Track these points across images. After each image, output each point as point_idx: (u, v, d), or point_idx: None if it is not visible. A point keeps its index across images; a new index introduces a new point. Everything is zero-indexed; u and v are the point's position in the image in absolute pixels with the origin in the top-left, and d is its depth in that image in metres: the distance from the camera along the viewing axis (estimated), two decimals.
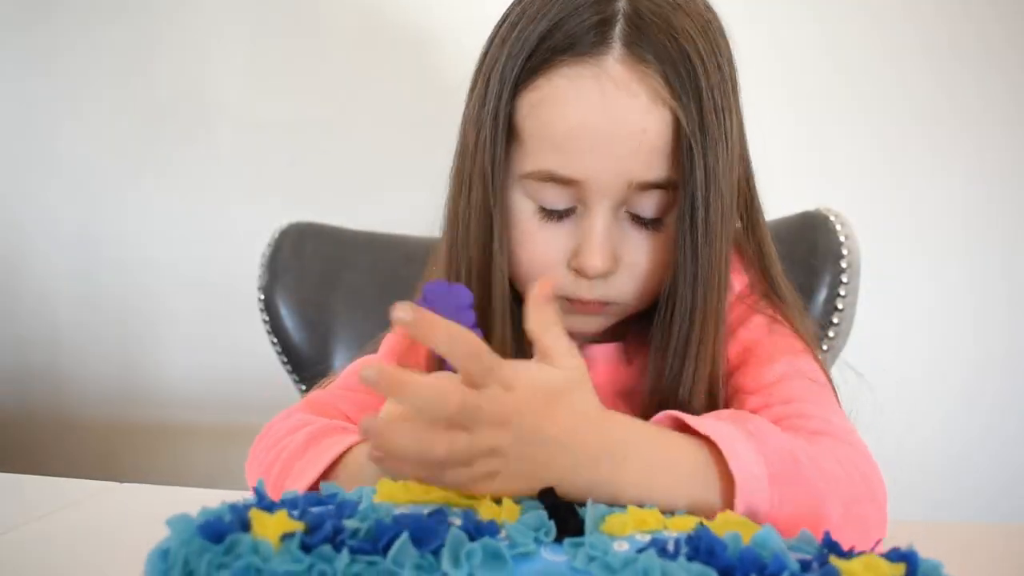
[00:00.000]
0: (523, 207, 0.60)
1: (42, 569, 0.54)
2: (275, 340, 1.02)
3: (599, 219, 0.58)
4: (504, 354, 0.44)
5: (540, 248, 0.60)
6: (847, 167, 1.28)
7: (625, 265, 0.60)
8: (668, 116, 0.55)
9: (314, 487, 0.51)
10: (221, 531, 0.33)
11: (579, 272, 0.59)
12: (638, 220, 0.59)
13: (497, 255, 0.60)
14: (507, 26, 0.60)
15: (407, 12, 1.36)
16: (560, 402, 0.43)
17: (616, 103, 0.55)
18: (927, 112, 1.26)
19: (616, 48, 0.55)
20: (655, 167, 0.56)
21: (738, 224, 0.66)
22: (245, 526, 0.34)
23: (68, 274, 1.55)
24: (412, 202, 1.46)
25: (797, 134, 1.28)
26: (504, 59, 0.58)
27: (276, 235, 1.04)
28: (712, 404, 0.61)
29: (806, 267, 0.90)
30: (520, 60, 0.57)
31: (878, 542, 0.38)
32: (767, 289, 0.68)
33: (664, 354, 0.60)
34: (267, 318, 1.02)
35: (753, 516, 0.44)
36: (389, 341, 0.76)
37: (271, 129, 1.43)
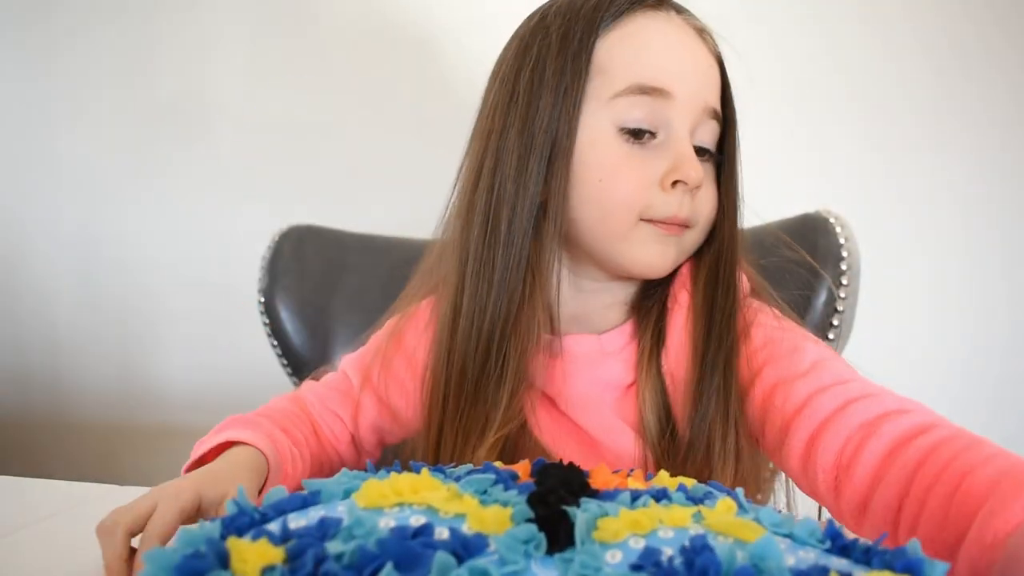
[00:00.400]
0: (607, 133, 0.64)
1: (42, 572, 0.54)
2: (275, 342, 1.02)
3: (685, 136, 0.65)
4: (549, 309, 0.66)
5: (635, 171, 0.64)
6: (847, 169, 1.28)
7: (700, 189, 0.66)
8: (716, 65, 0.67)
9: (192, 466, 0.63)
10: (199, 569, 0.32)
11: (682, 181, 0.64)
12: (700, 151, 0.66)
13: (570, 194, 0.64)
14: (559, 6, 0.67)
15: (407, 13, 1.36)
16: None
17: (692, 39, 0.66)
18: (927, 113, 1.26)
19: (671, 10, 0.66)
20: (718, 99, 0.67)
21: None
22: (224, 560, 0.33)
23: (68, 275, 1.55)
24: (412, 204, 1.46)
25: (797, 135, 1.28)
26: (576, 11, 0.65)
27: (276, 237, 1.04)
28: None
29: (806, 269, 0.90)
30: (599, 13, 0.64)
31: (885, 536, 0.37)
32: (757, 292, 0.72)
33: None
34: (267, 320, 1.01)
35: None
36: (377, 339, 0.77)
37: (271, 131, 1.43)
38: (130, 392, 1.55)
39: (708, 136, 0.67)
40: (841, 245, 0.90)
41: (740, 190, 0.69)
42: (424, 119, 1.37)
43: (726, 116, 0.68)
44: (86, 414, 1.57)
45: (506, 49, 0.70)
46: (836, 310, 0.89)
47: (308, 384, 0.80)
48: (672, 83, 0.64)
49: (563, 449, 0.67)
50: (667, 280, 0.70)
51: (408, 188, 1.37)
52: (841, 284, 0.89)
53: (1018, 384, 1.28)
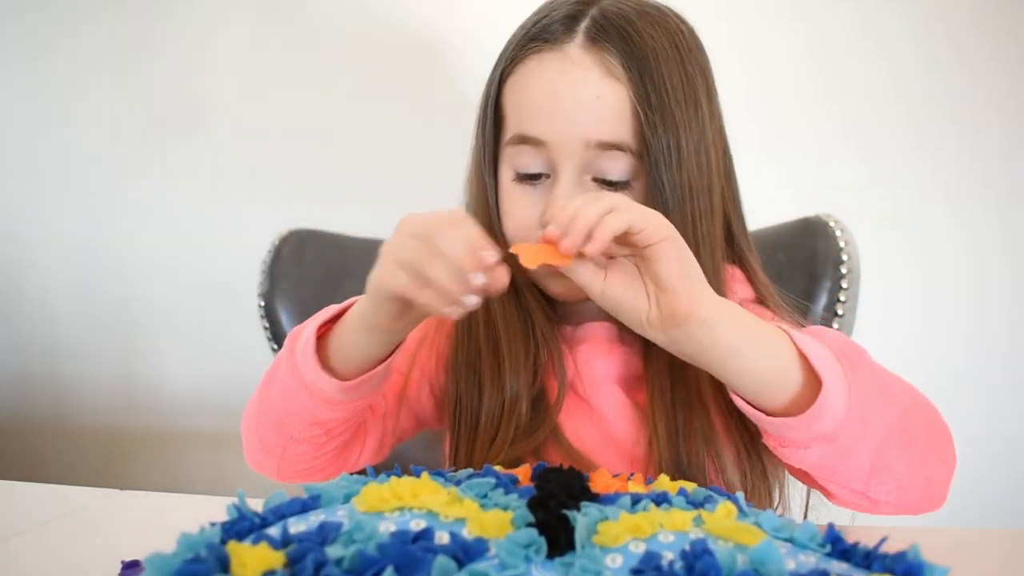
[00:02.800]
0: (506, 176, 0.70)
1: None
2: (275, 347, 1.01)
3: (565, 179, 0.65)
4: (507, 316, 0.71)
5: (517, 212, 0.69)
6: (846, 173, 1.28)
7: None
8: (623, 90, 0.63)
9: (322, 329, 0.62)
10: (200, 574, 0.32)
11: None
12: (604, 184, 0.66)
13: (489, 224, 0.70)
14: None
15: (408, 17, 1.36)
16: None
17: (572, 74, 0.64)
18: (926, 117, 1.26)
19: (579, 37, 0.65)
20: (611, 130, 0.64)
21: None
22: (224, 564, 0.33)
23: (68, 279, 1.55)
24: (413, 208, 1.46)
25: (796, 139, 1.28)
26: (499, 56, 0.70)
27: (276, 242, 1.04)
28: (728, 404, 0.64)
29: (806, 273, 0.90)
30: (508, 51, 0.69)
31: (884, 540, 0.37)
32: (762, 300, 0.73)
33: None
34: (267, 324, 1.01)
35: (831, 389, 0.52)
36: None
37: (271, 134, 1.43)
38: (130, 396, 1.55)
39: (612, 167, 0.65)
40: (841, 249, 0.90)
41: (685, 225, 0.65)
42: (425, 122, 1.37)
43: (649, 144, 0.63)
44: (86, 420, 1.57)
45: None
46: (836, 314, 0.89)
47: None
48: (544, 130, 0.65)
49: (580, 436, 0.70)
50: None
51: (409, 191, 1.38)
52: (841, 288, 0.89)
53: (1018, 386, 1.28)
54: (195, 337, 1.50)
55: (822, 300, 0.89)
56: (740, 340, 0.54)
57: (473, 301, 0.51)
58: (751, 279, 0.74)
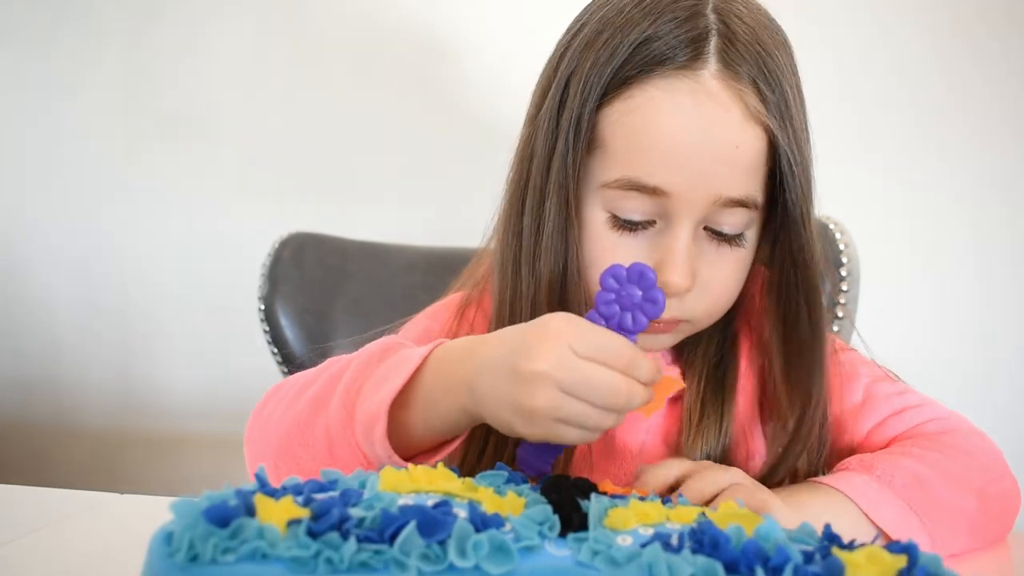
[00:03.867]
0: (597, 218, 0.58)
1: None
2: (275, 350, 1.01)
3: (683, 235, 0.56)
4: None
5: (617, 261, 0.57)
6: (847, 175, 1.28)
7: (700, 282, 0.58)
8: (761, 133, 0.55)
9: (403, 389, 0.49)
10: (227, 515, 0.33)
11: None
12: (717, 236, 0.58)
13: (573, 269, 0.58)
14: (589, 33, 0.58)
15: (409, 21, 1.37)
16: None
17: (711, 116, 0.54)
18: (927, 119, 1.26)
19: (711, 63, 0.54)
20: (744, 184, 0.55)
21: None
22: (251, 511, 0.34)
23: (67, 282, 1.54)
24: (413, 211, 1.47)
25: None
26: (590, 67, 0.57)
27: (276, 244, 1.04)
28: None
29: None
30: (610, 69, 0.56)
31: (877, 536, 0.38)
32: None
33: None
34: (267, 328, 1.01)
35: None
36: (420, 323, 0.73)
37: (272, 138, 1.43)
38: (130, 399, 1.54)
39: (730, 221, 0.57)
40: (841, 251, 0.90)
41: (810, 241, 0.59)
42: (425, 127, 1.37)
43: (787, 191, 0.56)
44: (86, 423, 1.56)
45: (559, 48, 0.62)
46: (836, 316, 0.90)
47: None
48: (669, 181, 0.54)
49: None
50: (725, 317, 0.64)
51: (409, 195, 1.38)
52: (841, 290, 0.90)
53: (1021, 390, 1.28)
54: (195, 340, 1.50)
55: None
56: None
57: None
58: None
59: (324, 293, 1.02)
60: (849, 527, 0.52)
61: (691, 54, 0.54)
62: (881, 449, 0.64)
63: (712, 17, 0.56)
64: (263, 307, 1.01)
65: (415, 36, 1.36)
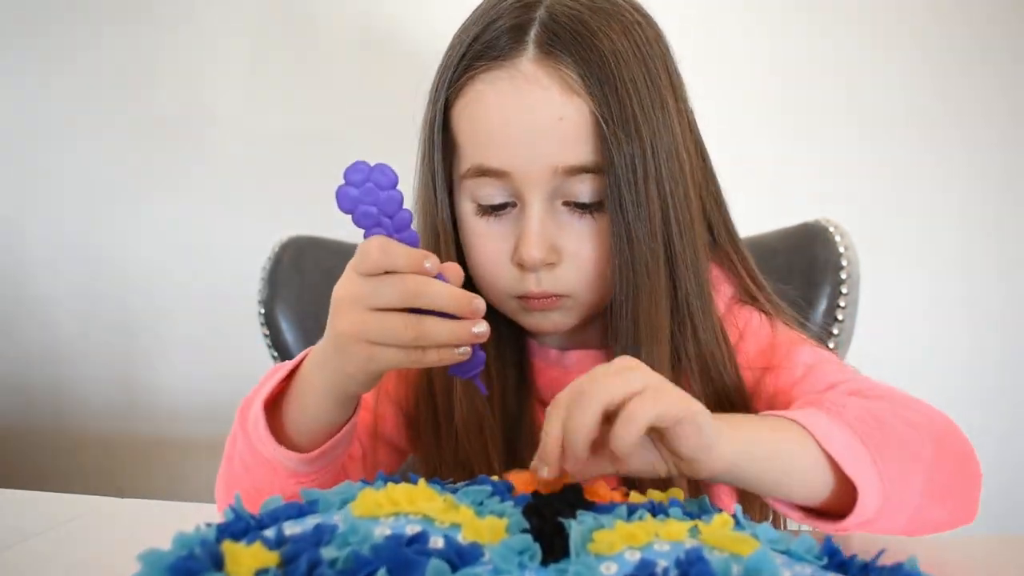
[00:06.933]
0: (467, 209, 0.64)
1: None
2: (275, 354, 1.01)
3: (533, 209, 0.60)
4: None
5: (485, 247, 0.63)
6: (847, 178, 1.28)
7: (568, 255, 0.61)
8: (584, 105, 0.58)
9: (271, 396, 0.57)
10: (192, 570, 0.32)
11: (520, 265, 0.61)
12: (577, 208, 0.61)
13: (444, 257, 0.61)
14: (450, 42, 0.65)
15: (407, 24, 1.36)
16: None
17: (530, 96, 0.58)
18: (927, 123, 1.26)
19: (529, 50, 0.59)
20: (578, 152, 0.59)
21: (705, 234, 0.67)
22: (218, 562, 0.33)
23: (68, 286, 1.55)
24: (413, 214, 1.45)
25: (797, 145, 1.28)
26: (439, 73, 0.64)
27: (276, 248, 1.04)
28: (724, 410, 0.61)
29: (805, 279, 0.90)
30: (450, 72, 0.62)
31: (883, 552, 0.38)
32: (752, 294, 0.70)
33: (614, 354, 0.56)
34: (267, 331, 1.01)
35: (865, 490, 0.49)
36: None
37: (272, 142, 1.43)
38: (131, 404, 1.55)
39: (583, 190, 0.60)
40: (841, 254, 0.90)
41: (657, 232, 0.61)
42: None
43: (614, 159, 0.59)
44: (87, 427, 1.57)
45: None
46: (836, 319, 0.89)
47: None
48: (505, 160, 0.59)
49: None
50: None
51: (409, 198, 1.37)
52: (841, 293, 0.89)
53: (1015, 391, 1.28)
54: (195, 344, 1.51)
55: (822, 306, 0.89)
56: (768, 474, 0.50)
57: (484, 330, 0.50)
58: (737, 276, 0.70)
59: (324, 297, 1.01)
60: (797, 449, 0.50)
61: (511, 45, 0.59)
62: None
63: (540, 11, 0.60)
64: (263, 311, 1.01)
65: (415, 37, 1.36)
